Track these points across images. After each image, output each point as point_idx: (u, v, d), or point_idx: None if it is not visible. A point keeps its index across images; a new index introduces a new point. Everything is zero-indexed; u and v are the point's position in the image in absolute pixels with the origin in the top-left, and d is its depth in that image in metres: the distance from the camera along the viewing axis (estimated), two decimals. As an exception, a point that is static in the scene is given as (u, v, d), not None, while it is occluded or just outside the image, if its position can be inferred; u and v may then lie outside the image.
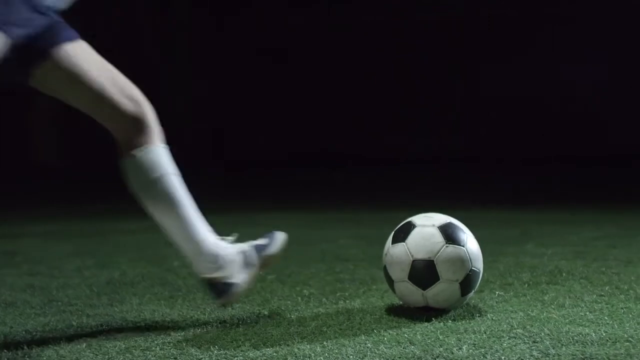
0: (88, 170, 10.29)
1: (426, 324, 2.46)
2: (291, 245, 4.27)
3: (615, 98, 9.89)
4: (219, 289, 2.50)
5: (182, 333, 2.44)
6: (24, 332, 2.53)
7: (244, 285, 2.53)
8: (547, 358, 2.08)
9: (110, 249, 4.29)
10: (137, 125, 2.43)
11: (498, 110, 10.37)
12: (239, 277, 2.52)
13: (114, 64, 2.45)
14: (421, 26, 11.12)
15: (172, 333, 2.45)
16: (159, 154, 2.45)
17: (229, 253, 2.52)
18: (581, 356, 2.07)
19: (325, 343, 2.28)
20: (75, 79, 2.37)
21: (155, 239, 4.68)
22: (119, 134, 2.44)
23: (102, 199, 7.24)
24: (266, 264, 2.62)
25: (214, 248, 2.52)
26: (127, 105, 2.41)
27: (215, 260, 2.50)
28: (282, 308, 2.75)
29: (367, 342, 2.28)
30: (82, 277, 3.45)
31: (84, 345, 2.34)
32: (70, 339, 2.42)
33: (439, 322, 2.47)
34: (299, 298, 2.90)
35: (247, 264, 2.55)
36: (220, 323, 2.55)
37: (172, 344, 2.32)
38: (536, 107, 10.27)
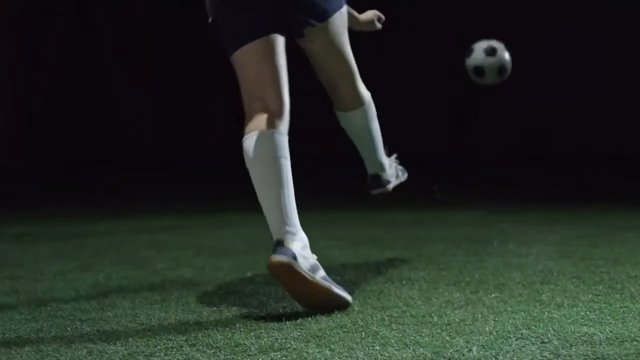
0: (46, 172, 10.10)
1: (429, 324, 2.45)
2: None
3: (593, 98, 9.98)
4: (381, 182, 3.45)
5: (184, 337, 2.40)
6: (17, 338, 2.46)
7: (390, 188, 3.49)
8: (559, 359, 2.08)
9: (89, 251, 4.20)
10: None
11: (473, 108, 10.41)
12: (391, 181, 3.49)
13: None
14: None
15: (173, 337, 2.40)
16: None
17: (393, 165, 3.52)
18: (593, 356, 2.08)
19: (333, 346, 2.25)
20: (337, 48, 2.77)
21: (132, 241, 4.63)
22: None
23: (69, 202, 7.11)
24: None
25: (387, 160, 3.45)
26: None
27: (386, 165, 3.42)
28: (280, 311, 2.72)
29: (375, 344, 2.26)
30: (66, 281, 3.38)
31: (85, 351, 2.28)
32: (68, 344, 2.36)
33: (442, 322, 2.47)
34: (295, 301, 2.87)
35: (396, 176, 3.54)
36: (220, 327, 2.51)
37: (175, 349, 2.28)
38: (511, 105, 10.32)
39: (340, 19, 2.74)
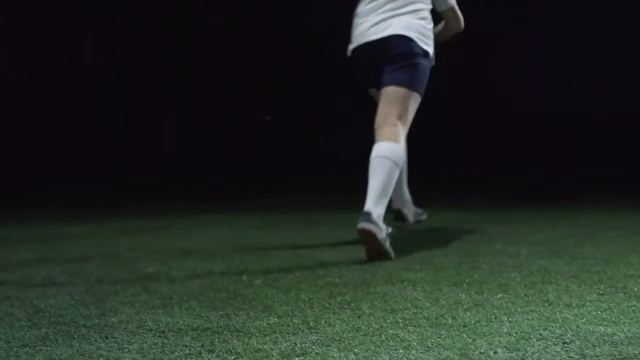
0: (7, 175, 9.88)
1: (445, 326, 2.44)
2: (258, 250, 4.24)
3: (564, 97, 10.09)
4: (403, 217, 4.65)
5: (199, 343, 2.35)
6: (24, 347, 2.38)
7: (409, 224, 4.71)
8: (585, 359, 2.09)
9: (73, 255, 4.11)
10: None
11: (445, 109, 10.46)
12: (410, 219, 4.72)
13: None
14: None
15: (188, 344, 2.35)
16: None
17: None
18: (619, 356, 2.09)
19: (355, 350, 2.23)
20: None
21: (114, 244, 4.54)
22: None
23: (35, 204, 6.95)
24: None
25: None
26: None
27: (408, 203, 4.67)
28: (289, 314, 2.68)
29: (397, 347, 2.24)
30: (58, 286, 3.29)
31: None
32: (81, 353, 2.29)
33: (457, 324, 2.46)
34: (301, 303, 2.84)
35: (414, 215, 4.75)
36: (233, 332, 2.47)
37: (194, 356, 2.23)
38: (482, 105, 10.38)
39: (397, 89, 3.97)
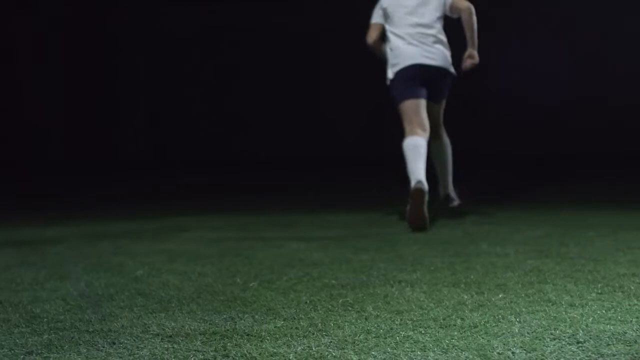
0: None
1: (455, 327, 2.45)
2: (245, 250, 4.21)
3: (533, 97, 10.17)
4: (452, 199, 5.41)
5: (211, 348, 2.31)
6: (29, 355, 2.32)
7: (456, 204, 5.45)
8: (603, 358, 2.11)
9: (55, 258, 4.02)
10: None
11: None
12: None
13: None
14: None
15: (200, 348, 2.31)
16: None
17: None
18: (636, 355, 2.12)
19: (373, 353, 2.22)
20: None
21: (93, 247, 4.46)
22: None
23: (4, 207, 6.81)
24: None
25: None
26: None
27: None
28: (295, 317, 2.66)
29: (414, 349, 2.24)
30: (48, 290, 3.22)
31: (114, 365, 2.17)
32: (91, 359, 2.24)
33: (466, 325, 2.47)
34: (304, 306, 2.82)
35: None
36: (243, 335, 2.44)
37: (209, 360, 2.20)
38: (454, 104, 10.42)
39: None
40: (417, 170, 4.74)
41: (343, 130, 10.88)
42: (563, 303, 2.73)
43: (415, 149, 4.82)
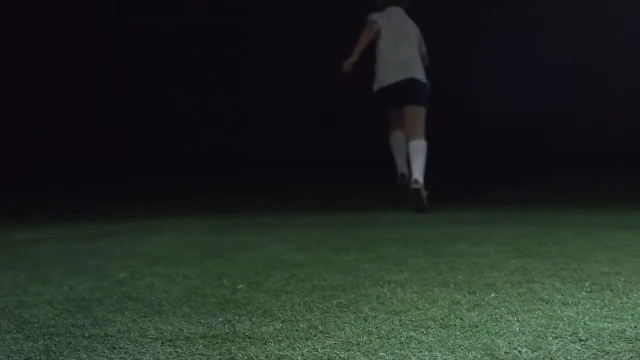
0: None
1: (455, 327, 2.47)
2: (226, 252, 4.17)
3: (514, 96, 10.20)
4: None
5: (216, 351, 2.29)
6: (27, 360, 2.27)
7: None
8: (608, 356, 2.15)
9: (31, 262, 3.94)
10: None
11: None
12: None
13: None
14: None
15: (204, 352, 2.29)
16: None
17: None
18: (639, 351, 2.16)
19: (381, 354, 2.22)
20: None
21: (68, 250, 4.37)
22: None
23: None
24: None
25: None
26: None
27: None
28: (292, 319, 2.65)
29: (421, 350, 2.25)
30: (32, 295, 3.15)
31: (120, 371, 2.14)
32: (94, 364, 2.20)
33: (466, 324, 2.48)
34: (299, 307, 2.81)
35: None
36: (245, 338, 2.42)
37: (216, 364, 2.17)
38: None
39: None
40: (413, 169, 5.70)
41: (342, 129, 10.80)
42: (556, 301, 2.77)
43: (398, 146, 6.00)
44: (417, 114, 5.79)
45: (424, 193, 5.55)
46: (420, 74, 5.82)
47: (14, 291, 3.24)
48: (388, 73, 5.81)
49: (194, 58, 11.25)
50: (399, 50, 5.80)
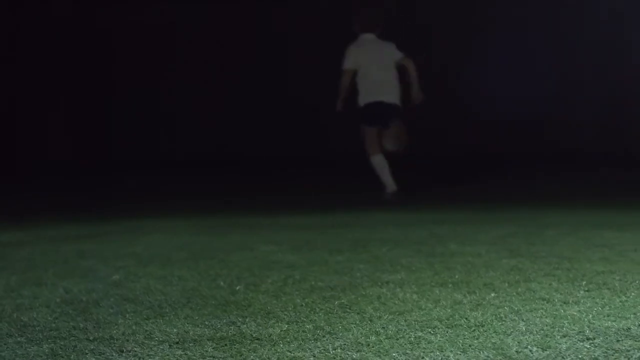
0: None
1: (462, 327, 2.48)
2: (217, 253, 4.15)
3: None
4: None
5: (226, 354, 2.29)
6: (35, 364, 2.24)
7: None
8: (618, 354, 2.18)
9: (22, 263, 3.88)
10: None
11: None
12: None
13: None
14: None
15: (215, 354, 2.29)
16: None
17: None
18: (648, 350, 2.19)
19: (394, 354, 2.23)
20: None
21: (57, 251, 4.32)
22: None
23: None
24: None
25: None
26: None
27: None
28: (297, 320, 2.65)
29: (432, 350, 2.27)
30: (27, 297, 3.11)
31: (134, 374, 2.12)
32: (104, 368, 2.18)
33: (471, 324, 2.50)
34: (302, 308, 2.81)
35: None
36: (255, 340, 2.42)
37: (228, 366, 2.16)
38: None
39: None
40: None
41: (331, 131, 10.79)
42: (556, 301, 2.80)
43: (381, 164, 6.67)
44: (394, 131, 6.63)
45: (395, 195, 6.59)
46: (392, 97, 6.67)
47: (9, 294, 3.19)
48: (367, 94, 6.68)
49: (178, 56, 11.18)
50: (374, 75, 6.64)
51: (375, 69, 6.62)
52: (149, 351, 2.33)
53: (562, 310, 2.65)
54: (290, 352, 2.28)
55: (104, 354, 2.33)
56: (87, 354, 2.33)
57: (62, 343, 2.44)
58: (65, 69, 11.13)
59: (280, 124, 10.83)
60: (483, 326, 2.49)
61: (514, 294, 2.94)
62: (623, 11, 9.91)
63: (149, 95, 11.14)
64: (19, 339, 2.51)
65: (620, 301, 2.77)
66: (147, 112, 11.16)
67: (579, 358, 2.16)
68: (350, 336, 2.43)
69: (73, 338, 2.50)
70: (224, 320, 2.67)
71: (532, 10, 10.34)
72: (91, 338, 2.49)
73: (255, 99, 10.99)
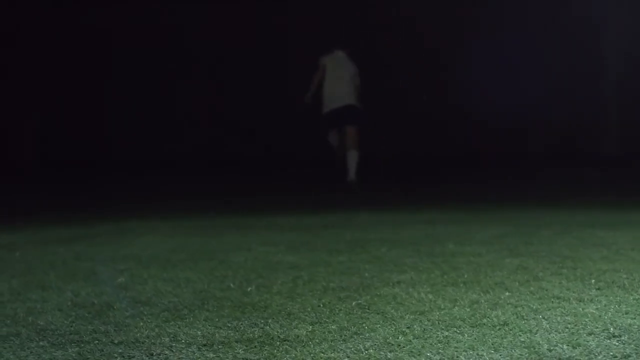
0: None
1: (487, 326, 2.50)
2: (216, 254, 4.13)
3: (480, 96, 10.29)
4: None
5: (258, 356, 2.28)
6: (65, 369, 2.20)
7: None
8: (647, 351, 2.21)
9: (19, 266, 3.81)
10: None
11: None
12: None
13: None
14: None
15: (246, 356, 2.27)
16: None
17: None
18: (676, 346, 2.23)
19: (428, 354, 2.24)
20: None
21: (53, 253, 4.26)
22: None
23: None
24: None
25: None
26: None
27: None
28: (320, 321, 2.65)
29: (466, 349, 2.28)
30: (37, 301, 3.05)
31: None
32: (138, 371, 2.15)
33: (494, 323, 2.52)
34: (320, 309, 2.81)
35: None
36: (283, 341, 2.41)
37: (264, 368, 2.16)
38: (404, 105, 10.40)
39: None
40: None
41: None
42: (571, 299, 2.84)
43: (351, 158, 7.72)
44: (354, 132, 7.73)
45: (356, 184, 7.57)
46: (353, 100, 7.78)
47: (16, 297, 3.14)
48: (330, 102, 7.82)
49: (179, 56, 11.10)
50: (336, 85, 7.79)
51: (337, 80, 7.78)
52: (179, 354, 2.32)
53: (580, 309, 2.69)
54: (323, 352, 2.28)
55: (133, 357, 2.30)
56: (116, 357, 2.31)
57: (87, 347, 2.41)
58: (65, 69, 11.00)
59: (280, 124, 10.81)
60: (507, 325, 2.52)
61: (528, 293, 2.97)
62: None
63: (149, 95, 11.05)
64: (41, 343, 2.47)
65: (634, 299, 2.82)
66: (147, 112, 11.06)
67: (611, 355, 2.20)
68: (379, 337, 2.44)
69: (97, 342, 2.47)
70: (246, 322, 2.66)
71: (531, 10, 10.46)
72: (116, 341, 2.46)
73: (255, 98, 10.95)
